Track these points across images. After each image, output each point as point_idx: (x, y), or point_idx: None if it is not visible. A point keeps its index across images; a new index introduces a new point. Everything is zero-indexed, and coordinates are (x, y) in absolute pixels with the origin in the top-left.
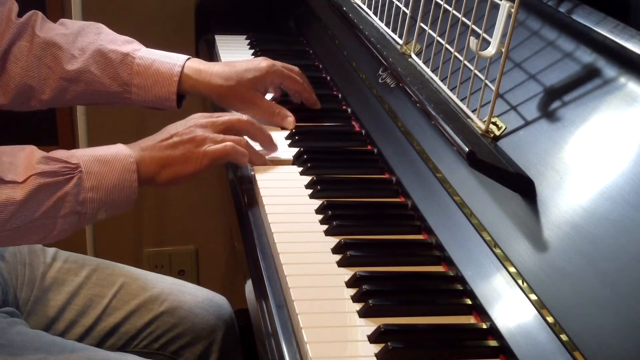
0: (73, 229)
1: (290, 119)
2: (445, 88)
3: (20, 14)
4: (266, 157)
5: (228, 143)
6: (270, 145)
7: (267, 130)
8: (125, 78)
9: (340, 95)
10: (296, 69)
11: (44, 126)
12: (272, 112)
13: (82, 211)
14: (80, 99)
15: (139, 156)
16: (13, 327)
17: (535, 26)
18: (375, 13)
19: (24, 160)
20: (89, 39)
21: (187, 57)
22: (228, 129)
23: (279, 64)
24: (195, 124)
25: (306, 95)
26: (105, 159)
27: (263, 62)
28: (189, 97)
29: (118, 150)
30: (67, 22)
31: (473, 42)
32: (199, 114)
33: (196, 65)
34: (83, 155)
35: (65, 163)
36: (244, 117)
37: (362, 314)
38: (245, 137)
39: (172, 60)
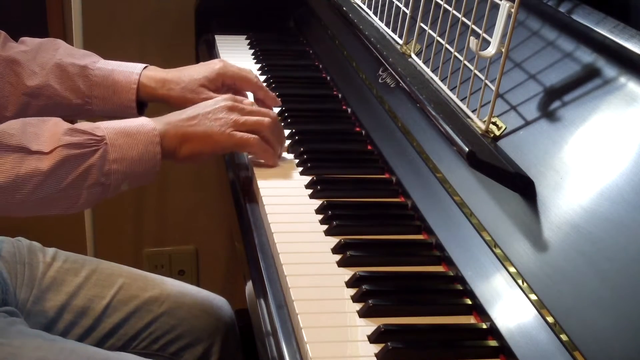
0: (97, 200)
1: (247, 101)
2: (445, 88)
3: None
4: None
5: (254, 136)
6: (279, 154)
7: (281, 137)
8: (85, 90)
9: (340, 95)
10: (250, 71)
11: None
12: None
13: (106, 182)
14: (44, 114)
15: (162, 129)
16: (13, 326)
17: (535, 26)
18: (375, 13)
19: (49, 131)
20: (48, 55)
21: (145, 65)
22: (254, 116)
23: (232, 65)
24: (223, 105)
25: (261, 94)
26: (129, 131)
27: (217, 64)
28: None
29: (142, 123)
30: (28, 40)
31: (473, 42)
32: (226, 95)
33: (152, 73)
34: (108, 127)
35: (90, 135)
36: (267, 119)
37: (362, 314)
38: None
39: (129, 69)
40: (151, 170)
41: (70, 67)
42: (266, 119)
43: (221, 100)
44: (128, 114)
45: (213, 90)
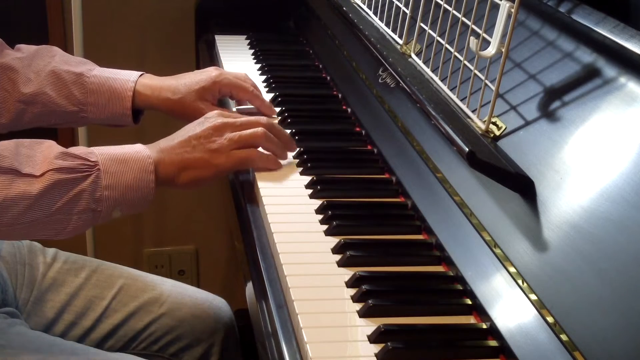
0: (87, 226)
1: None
2: (445, 88)
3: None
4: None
5: (252, 150)
6: (283, 156)
7: (283, 139)
8: (80, 97)
9: (340, 95)
10: (246, 76)
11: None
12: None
13: (97, 209)
14: (39, 121)
15: (157, 157)
16: (13, 327)
17: (535, 26)
18: (375, 13)
19: (42, 154)
20: (43, 62)
21: (140, 73)
22: (247, 129)
23: (228, 73)
24: (213, 125)
25: (258, 103)
26: (123, 158)
27: (213, 72)
28: (147, 112)
29: (137, 150)
30: (23, 47)
31: (473, 42)
32: (215, 112)
33: (148, 81)
34: (102, 153)
35: (83, 160)
36: (260, 129)
37: (362, 314)
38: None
39: (125, 77)
40: (144, 198)
41: (65, 75)
42: (259, 129)
43: (209, 119)
44: (123, 121)
45: (210, 99)
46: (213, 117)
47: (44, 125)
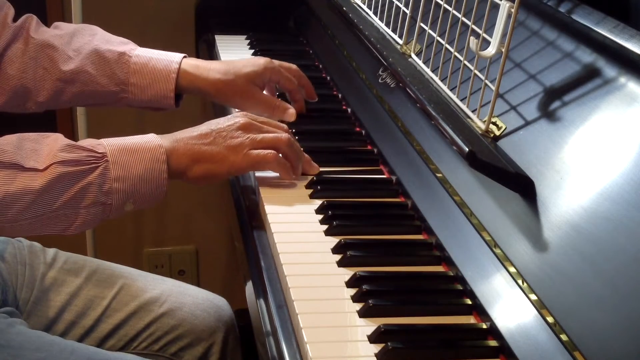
0: (98, 221)
1: (291, 111)
2: (445, 88)
3: (21, 14)
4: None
5: (270, 151)
6: (298, 170)
7: (304, 157)
8: (122, 77)
9: (340, 95)
10: (294, 67)
11: (44, 126)
12: (271, 105)
13: (107, 202)
14: (77, 100)
15: (170, 147)
16: (12, 327)
17: (535, 26)
18: (375, 13)
19: (47, 148)
20: (84, 40)
21: (184, 55)
22: (270, 135)
23: (276, 62)
24: (239, 123)
25: (297, 97)
26: (133, 148)
27: (261, 60)
28: (187, 97)
29: (148, 140)
30: (62, 24)
31: (473, 42)
32: (242, 113)
33: (194, 62)
34: (110, 144)
35: (90, 152)
36: (284, 135)
37: (362, 314)
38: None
39: (169, 58)
40: (157, 189)
41: (108, 54)
42: (284, 135)
43: (237, 117)
44: (164, 104)
45: (260, 85)
46: (240, 116)
47: (81, 105)
